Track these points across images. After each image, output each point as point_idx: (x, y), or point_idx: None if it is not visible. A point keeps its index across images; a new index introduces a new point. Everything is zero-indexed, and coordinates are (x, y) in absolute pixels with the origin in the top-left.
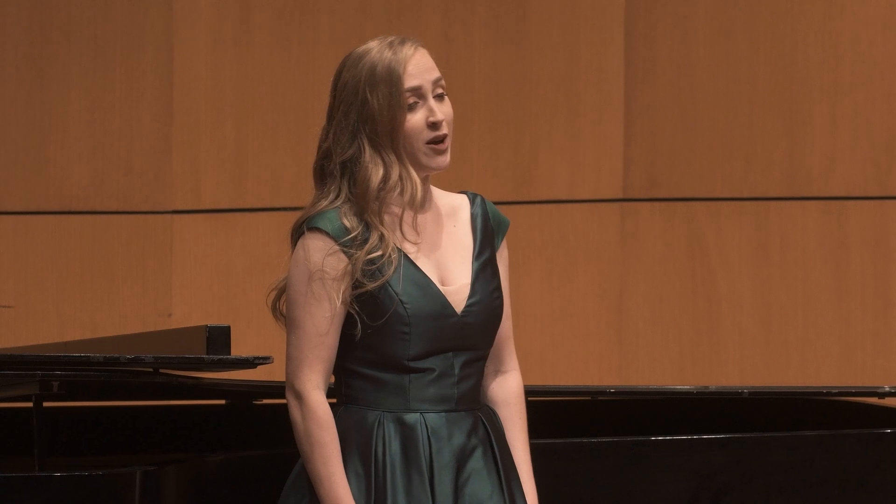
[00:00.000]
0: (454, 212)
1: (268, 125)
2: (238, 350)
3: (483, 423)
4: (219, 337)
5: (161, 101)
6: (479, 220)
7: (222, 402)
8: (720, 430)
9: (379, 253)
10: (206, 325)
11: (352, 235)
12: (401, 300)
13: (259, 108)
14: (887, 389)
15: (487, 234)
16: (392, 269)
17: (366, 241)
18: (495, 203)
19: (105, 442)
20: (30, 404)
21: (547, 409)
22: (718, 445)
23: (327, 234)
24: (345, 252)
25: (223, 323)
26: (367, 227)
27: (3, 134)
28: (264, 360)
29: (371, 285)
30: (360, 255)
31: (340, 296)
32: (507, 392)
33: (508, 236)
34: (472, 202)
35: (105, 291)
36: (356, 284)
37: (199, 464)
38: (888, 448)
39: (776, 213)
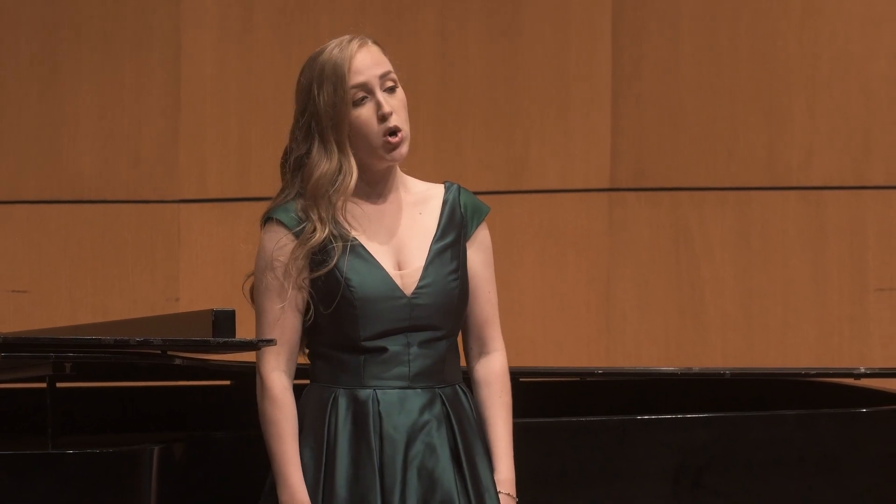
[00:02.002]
0: (424, 200)
1: (270, 119)
2: (242, 333)
3: (442, 400)
4: (224, 320)
5: (168, 95)
6: (447, 207)
7: (227, 382)
8: (703, 409)
9: (308, 245)
10: (212, 309)
11: (303, 226)
12: (347, 284)
13: (262, 102)
14: (863, 371)
15: (453, 221)
16: (337, 255)
17: (312, 231)
18: (489, 193)
19: (115, 421)
20: (43, 385)
21: (538, 390)
22: (701, 424)
23: (282, 224)
24: (296, 236)
25: (228, 307)
26: (308, 220)
27: (18, 127)
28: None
29: (320, 272)
30: (298, 242)
31: (293, 282)
32: (489, 372)
33: (501, 224)
34: (448, 191)
35: (115, 277)
36: (311, 269)
37: (205, 442)
38: (863, 426)
39: (757, 202)
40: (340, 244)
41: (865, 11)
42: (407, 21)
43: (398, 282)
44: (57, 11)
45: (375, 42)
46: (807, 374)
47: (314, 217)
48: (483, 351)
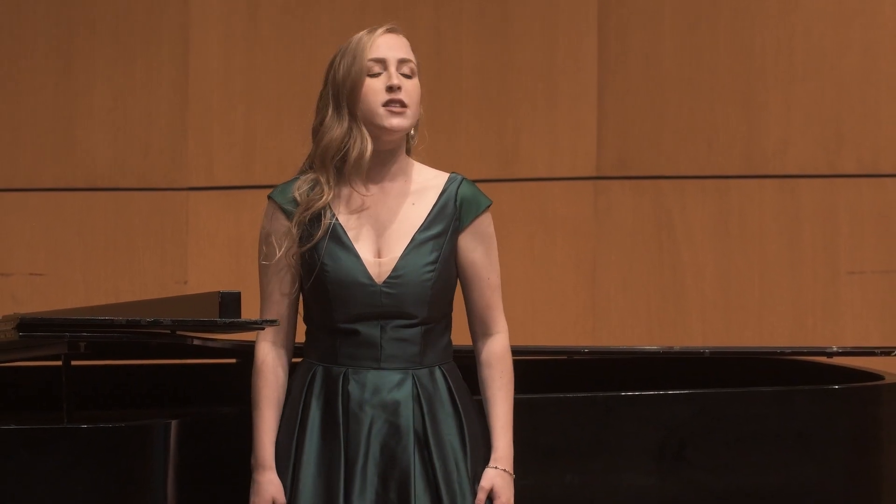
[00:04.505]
0: (423, 189)
1: (274, 111)
2: (248, 314)
3: (415, 382)
4: (230, 302)
5: (177, 89)
6: (441, 199)
7: (233, 360)
8: (684, 386)
9: (312, 208)
10: (219, 292)
11: (297, 200)
12: (323, 268)
13: (266, 95)
14: (835, 350)
15: (444, 213)
16: (320, 234)
17: (319, 194)
18: (481, 181)
19: (127, 397)
20: (59, 363)
21: (527, 368)
22: (682, 401)
23: (276, 202)
24: (287, 215)
25: (234, 289)
26: (315, 186)
27: (35, 119)
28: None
29: (305, 246)
30: (299, 209)
31: (282, 253)
32: (489, 355)
33: (492, 211)
34: (449, 182)
35: (127, 261)
36: (300, 244)
37: (211, 417)
38: (836, 403)
39: (736, 190)
40: (326, 222)
41: (838, 9)
42: (404, 18)
43: (373, 270)
44: (72, 10)
45: (404, 35)
46: (782, 353)
47: (323, 182)
48: (485, 333)
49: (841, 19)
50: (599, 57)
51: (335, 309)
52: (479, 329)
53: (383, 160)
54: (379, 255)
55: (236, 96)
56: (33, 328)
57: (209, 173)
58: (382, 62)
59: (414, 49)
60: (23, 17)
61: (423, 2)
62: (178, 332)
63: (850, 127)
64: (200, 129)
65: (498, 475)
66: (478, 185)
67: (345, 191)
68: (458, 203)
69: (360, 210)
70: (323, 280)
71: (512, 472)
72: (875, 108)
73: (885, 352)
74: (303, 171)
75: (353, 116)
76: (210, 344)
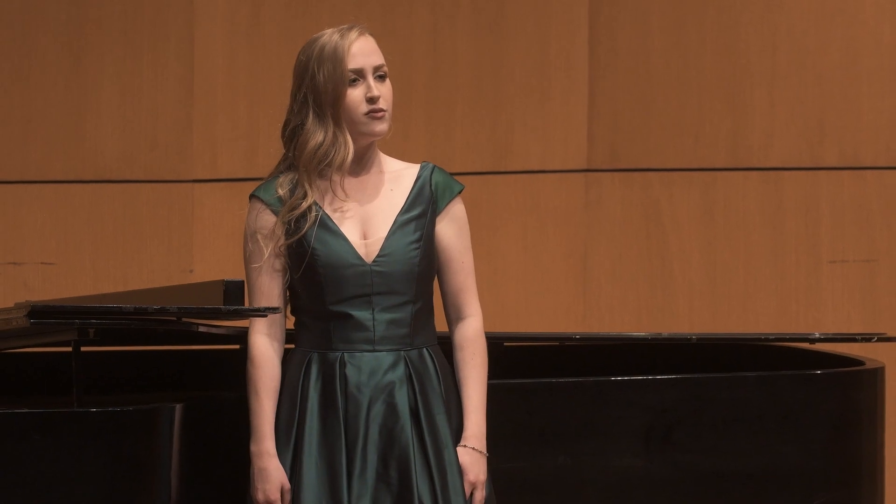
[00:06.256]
0: (397, 177)
1: (276, 106)
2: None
3: (407, 362)
4: (234, 290)
5: (183, 85)
6: (417, 184)
7: (236, 346)
8: (671, 371)
9: (298, 210)
10: (223, 280)
11: (281, 197)
12: (313, 253)
13: (269, 91)
14: (817, 336)
15: (422, 196)
16: (308, 225)
17: (302, 197)
18: (475, 174)
19: (134, 381)
20: (69, 349)
21: (520, 354)
22: (670, 385)
23: (261, 200)
24: (274, 212)
25: (238, 278)
26: (297, 187)
27: (46, 114)
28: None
29: (292, 239)
30: (284, 209)
31: (270, 250)
32: (463, 337)
33: (486, 202)
34: (422, 169)
35: (134, 251)
36: (286, 237)
37: (215, 401)
38: (818, 387)
39: (721, 182)
40: (313, 214)
41: (820, 8)
42: (401, 17)
43: (361, 251)
44: (81, 9)
45: (371, 34)
46: (766, 339)
47: (305, 184)
48: (459, 317)
49: (823, 18)
50: (590, 54)
51: (327, 292)
52: (453, 313)
53: (360, 155)
54: (364, 236)
55: (240, 91)
56: (44, 315)
57: (214, 166)
58: (360, 71)
59: (410, 45)
60: (34, 17)
61: (420, 0)
62: (184, 319)
63: (832, 121)
64: (205, 124)
65: (466, 453)
66: (472, 177)
67: (325, 184)
68: (433, 187)
69: (342, 200)
70: (314, 265)
71: (483, 450)
72: (856, 103)
73: (866, 338)
74: (279, 170)
75: (336, 122)
76: (214, 330)
